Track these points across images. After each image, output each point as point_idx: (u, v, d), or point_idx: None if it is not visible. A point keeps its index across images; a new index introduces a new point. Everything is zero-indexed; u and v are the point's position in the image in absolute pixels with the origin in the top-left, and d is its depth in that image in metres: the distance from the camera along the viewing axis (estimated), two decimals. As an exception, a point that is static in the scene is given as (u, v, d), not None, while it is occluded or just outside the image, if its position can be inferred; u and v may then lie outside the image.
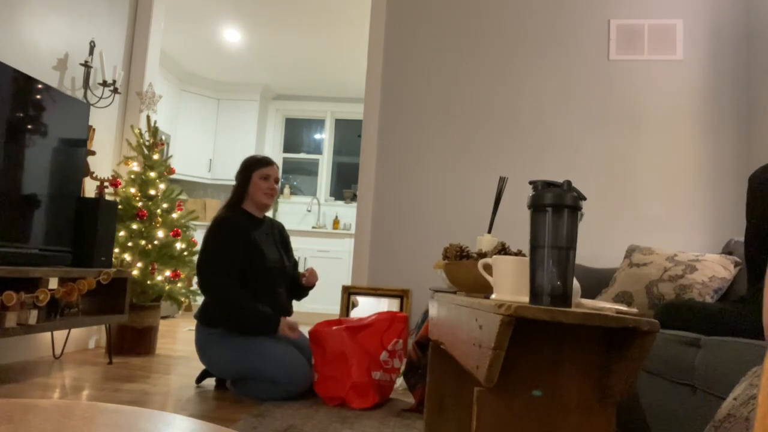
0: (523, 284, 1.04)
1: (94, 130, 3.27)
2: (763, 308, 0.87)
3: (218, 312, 2.45)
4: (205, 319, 2.50)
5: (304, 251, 5.60)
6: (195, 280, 3.45)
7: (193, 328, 2.60)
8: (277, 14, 4.67)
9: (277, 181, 2.68)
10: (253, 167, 2.65)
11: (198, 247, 3.50)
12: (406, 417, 2.22)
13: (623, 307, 1.02)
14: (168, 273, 3.27)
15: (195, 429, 0.85)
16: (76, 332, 3.25)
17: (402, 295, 3.18)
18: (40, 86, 2.56)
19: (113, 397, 2.29)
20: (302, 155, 6.74)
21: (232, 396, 2.46)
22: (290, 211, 6.47)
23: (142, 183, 3.29)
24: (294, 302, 2.79)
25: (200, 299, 3.58)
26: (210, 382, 2.66)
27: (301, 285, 2.76)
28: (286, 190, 6.56)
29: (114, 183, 3.19)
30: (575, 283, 1.02)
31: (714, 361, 1.42)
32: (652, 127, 3.18)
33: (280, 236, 2.76)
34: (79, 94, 3.21)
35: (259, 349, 2.41)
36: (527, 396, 0.93)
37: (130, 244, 3.18)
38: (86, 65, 3.20)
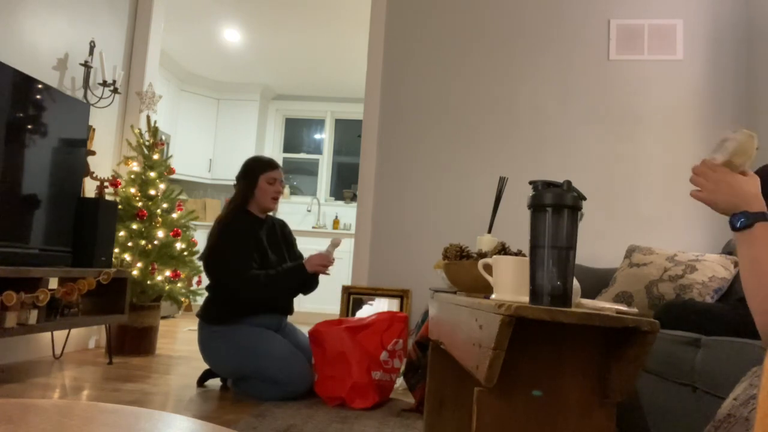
0: (523, 284, 1.04)
1: (94, 130, 3.27)
2: (756, 323, 0.87)
3: (246, 294, 2.43)
4: (207, 317, 2.50)
5: (304, 251, 5.58)
6: (195, 280, 3.45)
7: (194, 327, 2.60)
8: (277, 14, 4.67)
9: (282, 183, 2.67)
10: (259, 170, 2.61)
11: (198, 247, 3.50)
12: (406, 417, 2.22)
13: (623, 307, 1.02)
14: (168, 273, 3.27)
15: (195, 429, 0.85)
16: (76, 332, 3.25)
17: (402, 295, 3.18)
18: (40, 86, 2.56)
19: (113, 397, 2.28)
20: (302, 155, 6.74)
21: (232, 396, 2.46)
22: (290, 211, 6.47)
23: (142, 183, 3.29)
24: (295, 302, 2.79)
25: (200, 299, 3.59)
26: (211, 382, 2.65)
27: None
28: (286, 190, 6.55)
29: (114, 183, 3.19)
30: (575, 283, 1.02)
31: (714, 361, 1.42)
32: (652, 127, 3.18)
33: (282, 234, 2.76)
34: (79, 94, 3.21)
35: (261, 349, 2.41)
36: (527, 396, 0.93)
37: (130, 244, 3.18)
38: (86, 65, 3.20)
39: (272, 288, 2.44)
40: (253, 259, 2.50)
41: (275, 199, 2.63)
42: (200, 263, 3.50)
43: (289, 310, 2.69)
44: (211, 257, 2.49)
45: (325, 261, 2.51)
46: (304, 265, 2.49)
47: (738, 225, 0.92)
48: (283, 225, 2.82)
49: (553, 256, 0.92)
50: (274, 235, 2.71)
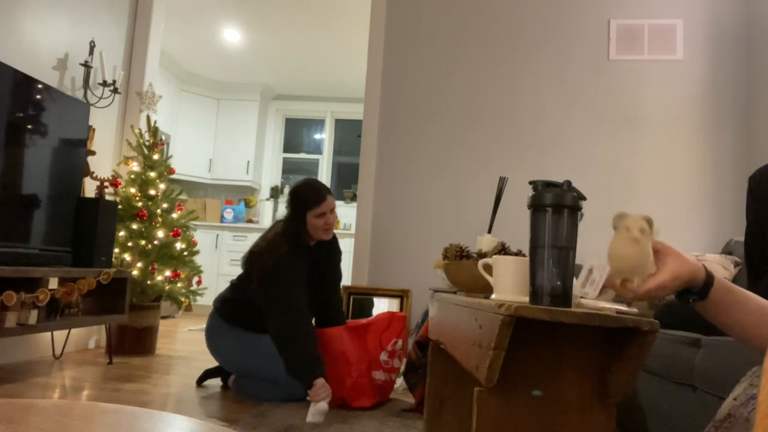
0: (523, 284, 1.04)
1: (94, 130, 3.27)
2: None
3: (277, 330, 2.30)
4: (223, 311, 2.52)
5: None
6: (195, 280, 3.45)
7: (193, 327, 2.60)
8: (277, 14, 4.67)
9: (333, 210, 2.46)
10: (306, 207, 2.43)
11: (198, 247, 3.50)
12: (406, 417, 2.22)
13: (623, 307, 1.02)
14: (168, 273, 3.27)
15: (195, 429, 0.85)
16: (76, 332, 3.25)
17: (402, 295, 3.18)
18: (40, 86, 2.56)
19: (113, 397, 2.28)
20: (302, 155, 6.74)
21: (232, 396, 2.46)
22: (290, 211, 6.46)
23: (142, 183, 3.29)
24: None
25: (200, 299, 3.59)
26: (211, 382, 2.66)
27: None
28: (287, 190, 6.56)
29: (114, 183, 3.19)
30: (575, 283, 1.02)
31: (714, 361, 1.42)
32: (652, 127, 3.18)
33: (327, 255, 2.61)
34: (79, 94, 3.20)
35: (265, 348, 2.41)
36: (527, 396, 0.93)
37: (130, 244, 3.18)
38: (86, 65, 3.19)
39: (291, 350, 2.27)
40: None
41: (327, 230, 2.46)
42: (201, 264, 3.52)
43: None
44: (262, 287, 2.36)
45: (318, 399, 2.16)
46: (319, 377, 2.18)
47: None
48: (333, 243, 2.63)
49: (553, 256, 0.92)
50: (322, 257, 2.57)
